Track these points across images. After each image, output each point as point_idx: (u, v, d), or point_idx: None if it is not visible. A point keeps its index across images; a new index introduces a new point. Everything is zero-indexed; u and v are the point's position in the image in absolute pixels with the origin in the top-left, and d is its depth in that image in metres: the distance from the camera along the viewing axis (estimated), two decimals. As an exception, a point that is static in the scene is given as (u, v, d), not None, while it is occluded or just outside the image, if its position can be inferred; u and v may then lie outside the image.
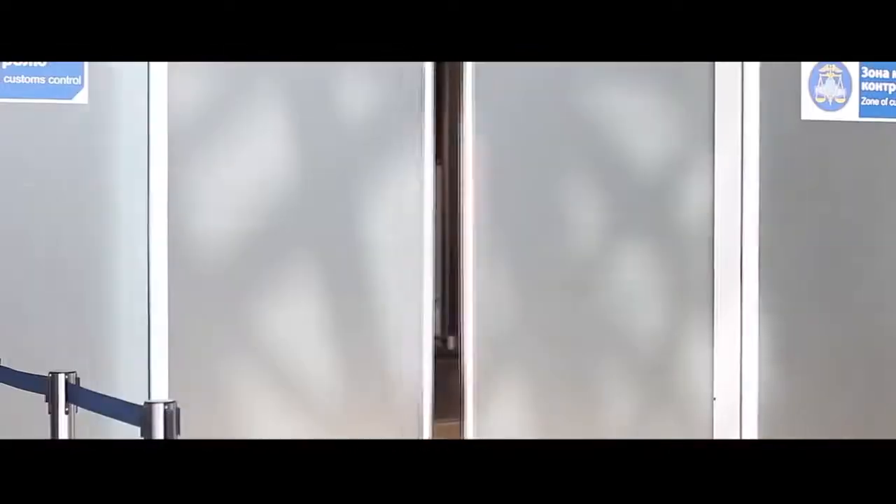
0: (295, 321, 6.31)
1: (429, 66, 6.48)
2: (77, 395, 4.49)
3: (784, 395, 6.85)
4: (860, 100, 6.90)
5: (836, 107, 6.88)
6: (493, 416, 6.70)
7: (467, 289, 6.62)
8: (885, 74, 6.93)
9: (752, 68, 6.73)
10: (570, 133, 6.72)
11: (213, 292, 6.19)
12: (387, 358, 6.52)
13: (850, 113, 6.90)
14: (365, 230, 6.45)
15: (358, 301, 6.46)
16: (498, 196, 6.64)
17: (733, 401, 6.80)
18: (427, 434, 6.52)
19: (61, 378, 4.53)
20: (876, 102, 6.93)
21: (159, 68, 5.95)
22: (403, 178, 6.50)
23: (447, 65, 12.03)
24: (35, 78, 5.85)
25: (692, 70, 6.81)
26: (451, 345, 11.91)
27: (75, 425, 4.56)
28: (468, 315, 6.63)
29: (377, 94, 6.46)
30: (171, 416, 3.82)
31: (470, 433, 6.63)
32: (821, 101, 6.85)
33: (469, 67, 6.61)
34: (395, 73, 6.48)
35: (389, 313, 6.50)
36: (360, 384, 6.48)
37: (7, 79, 5.82)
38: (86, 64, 5.87)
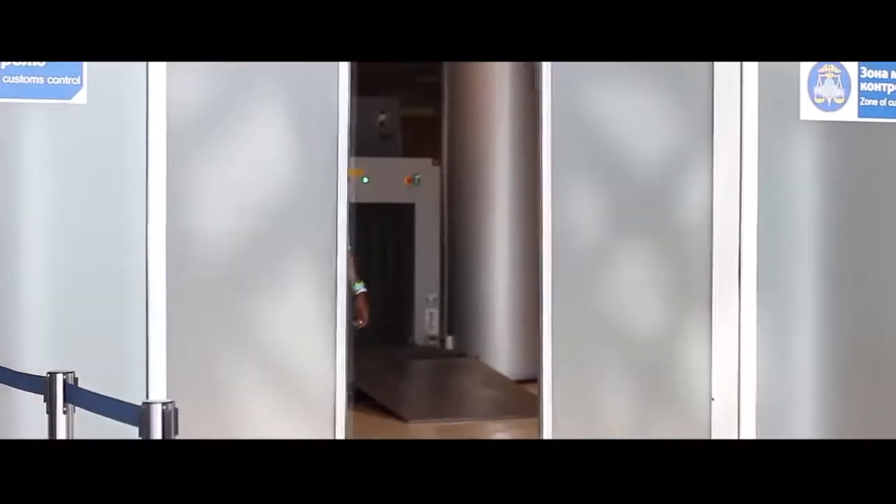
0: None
1: (344, 66, 6.33)
2: (75, 395, 4.49)
3: (782, 395, 6.85)
4: (859, 100, 6.90)
5: (834, 107, 6.88)
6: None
7: (546, 289, 6.60)
8: (884, 75, 6.92)
9: (751, 68, 6.73)
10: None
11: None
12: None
13: (848, 113, 6.90)
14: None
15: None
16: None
17: (731, 401, 6.80)
18: (341, 426, 6.37)
19: (59, 378, 4.53)
20: (875, 103, 6.92)
21: (158, 68, 5.94)
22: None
23: (446, 66, 12.09)
24: (34, 78, 5.85)
25: (692, 70, 6.81)
26: (449, 344, 11.98)
27: (73, 425, 4.56)
28: (546, 316, 6.61)
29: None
30: (169, 416, 3.83)
31: (548, 433, 6.63)
32: (820, 101, 6.85)
33: (546, 67, 6.56)
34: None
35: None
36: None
37: (6, 79, 5.82)
38: (85, 64, 5.87)
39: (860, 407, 6.98)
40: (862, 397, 6.99)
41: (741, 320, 6.79)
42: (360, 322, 7.97)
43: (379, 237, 11.31)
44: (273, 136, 6.27)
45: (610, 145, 6.77)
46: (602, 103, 6.75)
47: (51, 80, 5.87)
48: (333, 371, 6.37)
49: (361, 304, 8.00)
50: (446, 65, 11.95)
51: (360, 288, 8.02)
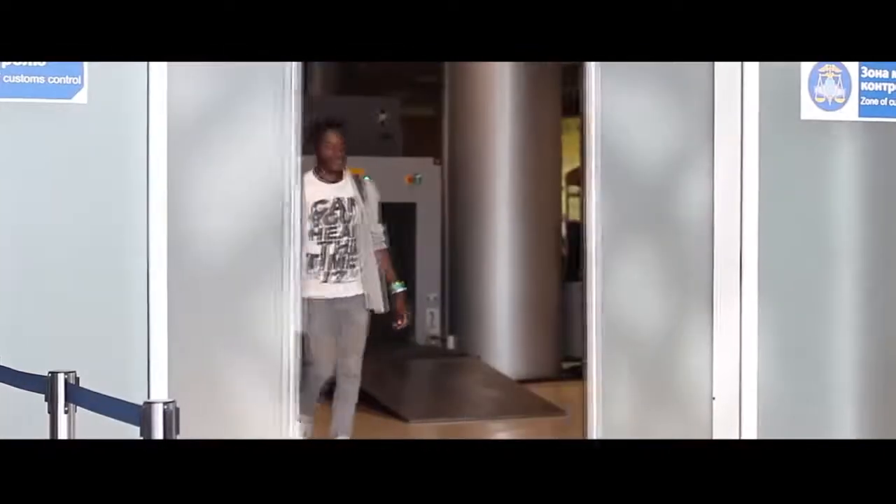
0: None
1: (295, 66, 6.29)
2: (76, 394, 4.49)
3: (784, 395, 6.85)
4: (860, 100, 6.90)
5: (835, 107, 6.88)
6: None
7: (592, 288, 6.59)
8: (885, 74, 6.92)
9: (752, 68, 6.73)
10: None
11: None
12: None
13: (849, 113, 6.90)
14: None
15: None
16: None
17: (733, 400, 6.80)
18: (292, 410, 6.29)
19: (61, 378, 4.53)
20: (875, 102, 6.92)
21: (159, 68, 5.95)
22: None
23: (446, 66, 12.09)
24: (35, 78, 5.85)
25: (692, 70, 6.81)
26: (451, 344, 11.98)
27: (75, 425, 4.56)
28: (593, 314, 6.61)
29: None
30: (171, 416, 3.82)
31: (594, 432, 6.62)
32: (820, 100, 6.85)
33: (592, 67, 6.56)
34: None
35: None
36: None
37: (7, 78, 5.82)
38: (85, 64, 5.87)
39: (862, 406, 6.98)
40: (863, 396, 6.99)
41: (742, 320, 6.78)
42: (400, 322, 7.90)
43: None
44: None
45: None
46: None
47: (51, 80, 5.87)
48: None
49: (401, 304, 7.93)
50: (446, 65, 11.96)
51: (398, 288, 7.94)
